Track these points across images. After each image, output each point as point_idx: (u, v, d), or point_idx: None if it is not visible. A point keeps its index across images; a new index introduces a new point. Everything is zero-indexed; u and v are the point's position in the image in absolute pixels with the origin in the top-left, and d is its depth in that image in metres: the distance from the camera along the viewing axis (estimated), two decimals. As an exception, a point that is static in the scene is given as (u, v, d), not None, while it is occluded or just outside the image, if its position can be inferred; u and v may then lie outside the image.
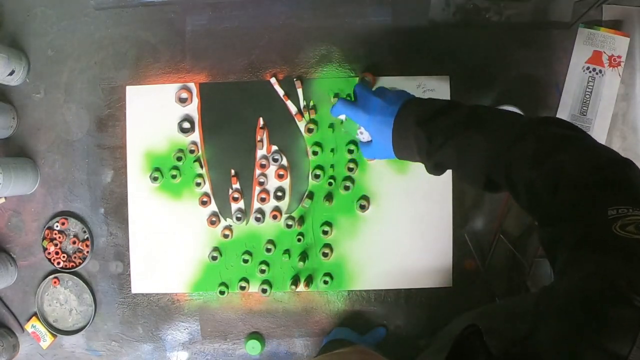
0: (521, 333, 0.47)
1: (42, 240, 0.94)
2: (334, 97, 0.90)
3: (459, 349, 0.48)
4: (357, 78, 0.90)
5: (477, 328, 0.51)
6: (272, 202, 0.92)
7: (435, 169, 0.70)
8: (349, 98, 0.86)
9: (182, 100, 0.92)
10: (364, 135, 0.78)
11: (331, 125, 0.91)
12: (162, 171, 0.92)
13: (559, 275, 0.50)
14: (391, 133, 0.72)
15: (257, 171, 0.92)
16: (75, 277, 0.94)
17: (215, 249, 0.92)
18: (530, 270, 0.89)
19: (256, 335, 0.94)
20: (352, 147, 0.90)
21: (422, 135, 0.68)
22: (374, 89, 0.78)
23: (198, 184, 0.92)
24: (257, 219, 0.92)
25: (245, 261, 0.91)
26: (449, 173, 0.78)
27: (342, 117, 0.79)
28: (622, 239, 0.45)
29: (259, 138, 0.92)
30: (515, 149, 0.60)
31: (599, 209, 0.49)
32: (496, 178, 0.63)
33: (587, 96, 0.90)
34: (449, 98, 0.90)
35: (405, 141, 0.71)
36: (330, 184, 0.91)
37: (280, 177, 0.92)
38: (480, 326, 0.55)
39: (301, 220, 0.91)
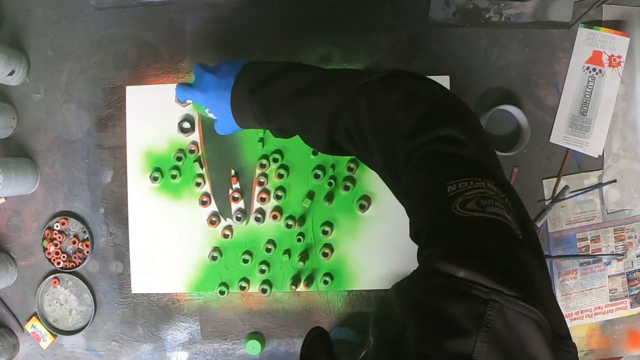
0: (397, 329, 0.44)
1: (42, 240, 0.94)
2: None
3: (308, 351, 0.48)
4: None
5: (321, 331, 0.51)
6: (272, 202, 0.92)
7: (280, 133, 0.69)
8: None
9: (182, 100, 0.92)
10: (211, 114, 0.76)
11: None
12: (162, 171, 0.92)
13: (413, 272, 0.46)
14: (229, 107, 0.70)
15: (257, 171, 0.92)
16: (75, 277, 0.94)
17: (215, 249, 0.92)
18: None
19: (256, 335, 0.94)
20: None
21: (257, 105, 0.67)
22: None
23: (198, 184, 0.92)
24: (257, 219, 0.92)
25: (245, 261, 0.91)
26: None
27: (189, 101, 0.79)
28: (462, 220, 0.42)
29: (258, 138, 0.92)
30: (350, 109, 0.57)
31: (439, 186, 0.44)
32: (339, 141, 0.61)
33: (587, 96, 0.90)
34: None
35: (243, 112, 0.69)
36: (330, 184, 0.91)
37: (280, 177, 0.92)
38: (376, 315, 0.55)
39: (301, 220, 0.91)
